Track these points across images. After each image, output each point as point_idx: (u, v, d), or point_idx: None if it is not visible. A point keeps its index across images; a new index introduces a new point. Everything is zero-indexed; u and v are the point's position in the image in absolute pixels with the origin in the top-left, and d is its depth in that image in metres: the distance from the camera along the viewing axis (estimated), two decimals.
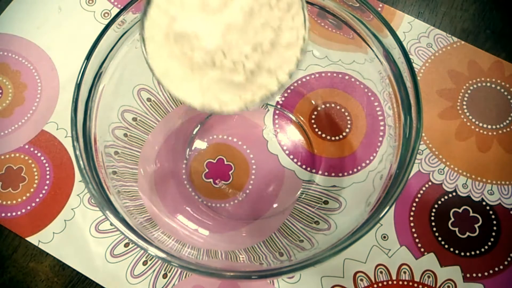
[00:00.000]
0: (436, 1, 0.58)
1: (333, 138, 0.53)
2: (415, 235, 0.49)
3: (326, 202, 0.49)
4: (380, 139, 0.48)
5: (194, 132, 0.54)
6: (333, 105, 0.54)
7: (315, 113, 0.54)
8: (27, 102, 0.55)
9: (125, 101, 0.49)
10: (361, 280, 0.48)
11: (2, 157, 0.53)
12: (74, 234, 0.50)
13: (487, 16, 0.57)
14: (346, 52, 0.50)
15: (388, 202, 0.39)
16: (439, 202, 0.50)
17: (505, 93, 0.54)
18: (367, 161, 0.49)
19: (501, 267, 0.48)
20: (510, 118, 0.53)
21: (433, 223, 0.50)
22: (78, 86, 0.43)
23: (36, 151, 0.53)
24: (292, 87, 0.54)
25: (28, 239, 0.50)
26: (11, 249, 0.50)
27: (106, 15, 0.58)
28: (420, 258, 0.48)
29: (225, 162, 0.52)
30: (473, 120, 0.53)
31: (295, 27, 0.35)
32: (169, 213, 0.49)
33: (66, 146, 0.53)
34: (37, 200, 0.51)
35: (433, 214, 0.50)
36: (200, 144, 0.53)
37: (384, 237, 0.49)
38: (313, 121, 0.54)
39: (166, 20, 0.35)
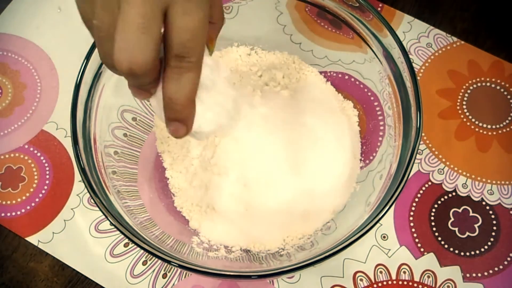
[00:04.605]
0: (436, 1, 0.58)
1: None
2: (415, 235, 0.49)
3: None
4: (380, 139, 0.48)
5: None
6: None
7: None
8: (26, 102, 0.55)
9: (124, 101, 0.49)
10: (361, 280, 0.48)
11: (2, 157, 0.53)
12: (73, 234, 0.50)
13: (487, 16, 0.57)
14: (346, 52, 0.50)
15: (388, 202, 0.39)
16: (439, 202, 0.50)
17: (505, 93, 0.54)
18: (367, 161, 0.49)
19: (501, 267, 0.48)
20: (510, 118, 0.53)
21: (433, 223, 0.50)
22: (77, 86, 0.43)
23: (35, 151, 0.53)
24: None
25: (27, 239, 0.50)
26: (11, 249, 0.50)
27: None
28: (420, 258, 0.48)
29: None
30: (473, 120, 0.53)
31: None
32: (169, 213, 0.49)
33: (65, 146, 0.53)
34: (37, 200, 0.51)
35: (433, 214, 0.50)
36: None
37: (384, 237, 0.49)
38: None
39: None
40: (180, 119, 0.32)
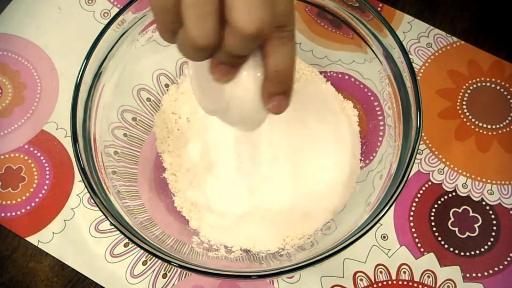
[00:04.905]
0: (436, 1, 0.58)
1: None
2: (415, 235, 0.49)
3: None
4: (380, 139, 0.48)
5: None
6: None
7: None
8: (26, 102, 0.55)
9: (124, 101, 0.49)
10: (361, 280, 0.48)
11: (2, 157, 0.53)
12: (73, 234, 0.50)
13: (487, 16, 0.57)
14: (346, 52, 0.50)
15: (388, 202, 0.39)
16: (439, 202, 0.50)
17: (505, 93, 0.54)
18: (367, 161, 0.49)
19: (501, 267, 0.48)
20: (510, 118, 0.53)
21: (433, 223, 0.50)
22: (77, 86, 0.43)
23: (35, 151, 0.53)
24: None
25: (27, 239, 0.50)
26: (11, 249, 0.50)
27: (105, 15, 0.58)
28: (420, 258, 0.48)
29: None
30: (473, 120, 0.53)
31: None
32: (169, 213, 0.49)
33: (65, 146, 0.53)
34: (37, 200, 0.51)
35: (433, 214, 0.50)
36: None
37: (384, 237, 0.49)
38: None
39: None
40: (285, 91, 0.32)
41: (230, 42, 0.28)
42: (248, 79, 0.32)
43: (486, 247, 0.49)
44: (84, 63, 0.43)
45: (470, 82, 0.54)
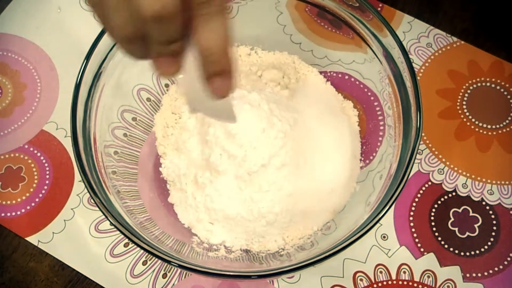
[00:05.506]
0: (436, 1, 0.58)
1: None
2: (414, 235, 0.49)
3: None
4: (380, 139, 0.48)
5: None
6: None
7: None
8: (26, 102, 0.55)
9: (124, 101, 0.49)
10: (361, 280, 0.48)
11: (2, 157, 0.53)
12: (73, 234, 0.50)
13: (487, 16, 0.57)
14: (346, 52, 0.50)
15: (388, 202, 0.39)
16: (439, 202, 0.50)
17: (505, 93, 0.54)
18: (367, 161, 0.49)
19: (501, 267, 0.48)
20: (510, 118, 0.53)
21: (432, 223, 0.50)
22: (77, 85, 0.43)
23: (35, 151, 0.53)
24: None
25: (27, 239, 0.50)
26: (11, 249, 0.50)
27: None
28: (420, 258, 0.48)
29: None
30: (473, 120, 0.53)
31: None
32: (169, 213, 0.49)
33: (65, 146, 0.53)
34: (37, 200, 0.51)
35: (432, 214, 0.50)
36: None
37: (384, 237, 0.49)
38: None
39: None
40: (221, 70, 0.30)
41: (147, 29, 0.28)
42: (189, 65, 0.30)
43: (486, 247, 0.49)
44: (84, 63, 0.43)
45: (470, 82, 0.54)
